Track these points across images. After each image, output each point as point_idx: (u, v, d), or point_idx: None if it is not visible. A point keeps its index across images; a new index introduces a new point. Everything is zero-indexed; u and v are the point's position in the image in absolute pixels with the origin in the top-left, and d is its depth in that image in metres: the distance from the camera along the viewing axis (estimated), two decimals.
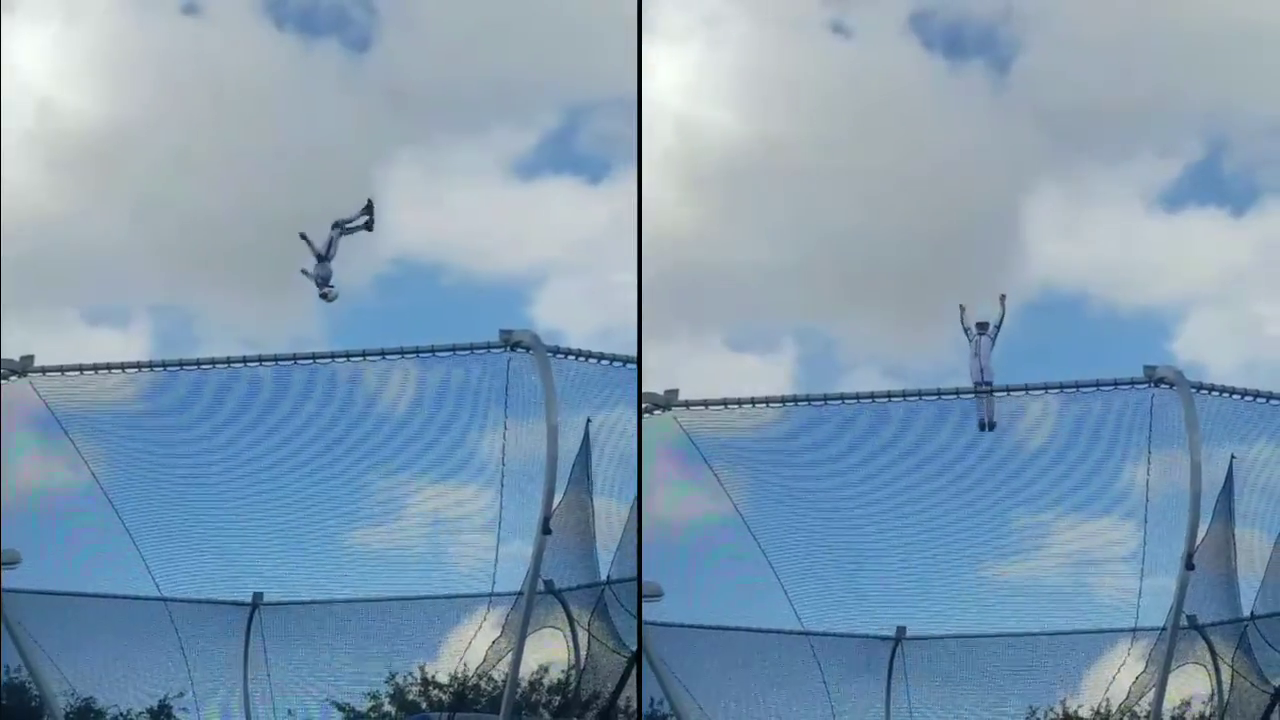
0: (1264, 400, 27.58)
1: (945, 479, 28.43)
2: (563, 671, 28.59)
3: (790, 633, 29.85)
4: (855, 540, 29.28)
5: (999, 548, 29.24)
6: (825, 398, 27.93)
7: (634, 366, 27.01)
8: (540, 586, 26.93)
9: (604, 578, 27.84)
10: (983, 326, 27.87)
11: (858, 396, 27.89)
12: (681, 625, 28.31)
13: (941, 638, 30.20)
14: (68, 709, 27.64)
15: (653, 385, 27.60)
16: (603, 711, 28.08)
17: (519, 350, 26.84)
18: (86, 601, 28.16)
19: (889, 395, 27.71)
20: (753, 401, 27.87)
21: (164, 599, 28.10)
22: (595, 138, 47.44)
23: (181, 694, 28.69)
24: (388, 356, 27.13)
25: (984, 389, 27.67)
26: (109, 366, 27.25)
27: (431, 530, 28.14)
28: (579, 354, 27.33)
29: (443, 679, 28.90)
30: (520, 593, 26.81)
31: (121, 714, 28.67)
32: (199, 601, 28.55)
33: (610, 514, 27.80)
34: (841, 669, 30.51)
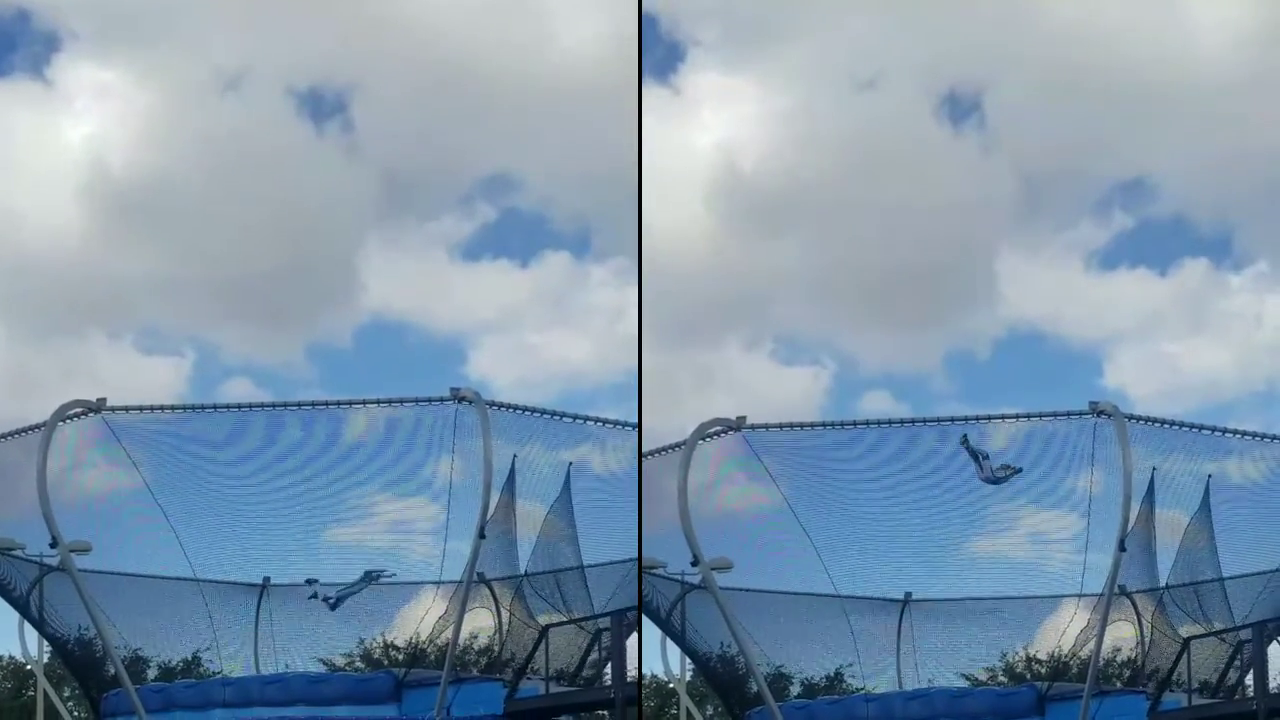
0: (1178, 427, 32.49)
1: (941, 482, 33.36)
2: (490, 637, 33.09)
3: (823, 595, 34.89)
4: (873, 525, 34.26)
5: (979, 531, 33.59)
6: (854, 423, 33.04)
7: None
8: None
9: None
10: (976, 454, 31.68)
11: (878, 422, 33.04)
12: (748, 590, 33.35)
13: (939, 600, 35.06)
14: (124, 658, 32.36)
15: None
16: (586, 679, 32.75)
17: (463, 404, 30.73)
18: (136, 580, 33.74)
19: (901, 422, 32.95)
20: (803, 425, 32.82)
21: (197, 579, 33.87)
22: None
23: (208, 648, 34.47)
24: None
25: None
26: (164, 407, 32.95)
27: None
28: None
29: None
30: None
31: (164, 662, 34.25)
32: (223, 582, 34.50)
33: None
34: (863, 623, 35.18)
